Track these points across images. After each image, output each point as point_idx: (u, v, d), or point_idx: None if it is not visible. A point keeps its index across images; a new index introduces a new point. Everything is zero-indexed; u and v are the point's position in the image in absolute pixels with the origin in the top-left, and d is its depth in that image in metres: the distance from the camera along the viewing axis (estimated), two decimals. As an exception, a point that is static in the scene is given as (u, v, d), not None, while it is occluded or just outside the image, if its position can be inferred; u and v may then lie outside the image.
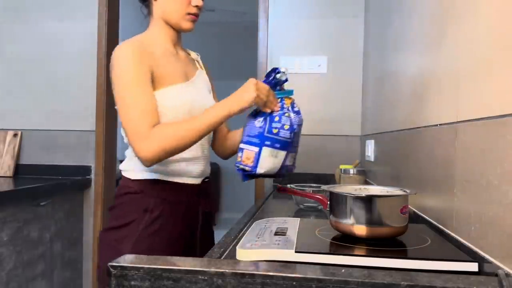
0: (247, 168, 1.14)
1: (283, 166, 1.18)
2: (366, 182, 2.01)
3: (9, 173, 2.59)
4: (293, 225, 0.91)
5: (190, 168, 1.29)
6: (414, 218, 1.10)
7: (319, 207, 1.49)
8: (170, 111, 1.22)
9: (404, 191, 0.85)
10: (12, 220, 2.01)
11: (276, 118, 1.16)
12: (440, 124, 0.96)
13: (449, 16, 0.93)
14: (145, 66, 1.19)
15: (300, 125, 1.21)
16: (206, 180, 1.36)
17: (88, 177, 2.58)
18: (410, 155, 1.24)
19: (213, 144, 1.47)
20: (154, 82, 1.22)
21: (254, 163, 1.14)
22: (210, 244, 1.37)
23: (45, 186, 2.25)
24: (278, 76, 1.20)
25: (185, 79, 1.31)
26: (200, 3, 1.29)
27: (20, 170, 2.64)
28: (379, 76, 1.88)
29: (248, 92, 1.15)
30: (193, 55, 1.48)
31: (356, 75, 2.49)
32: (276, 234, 0.82)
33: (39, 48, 2.66)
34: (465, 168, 0.80)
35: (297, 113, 1.20)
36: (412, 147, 1.21)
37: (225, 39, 6.15)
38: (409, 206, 1.00)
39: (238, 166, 1.16)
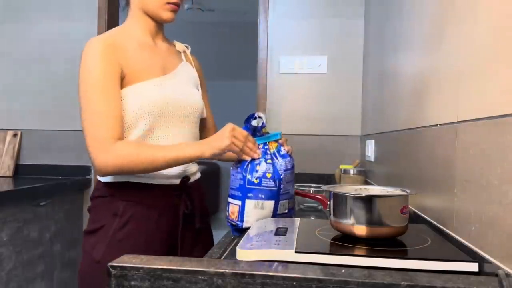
0: (234, 223, 1.07)
1: (275, 216, 1.08)
2: (366, 182, 2.01)
3: (9, 173, 2.59)
4: (293, 225, 0.90)
5: (165, 170, 1.21)
6: (414, 218, 1.10)
7: (319, 207, 1.49)
8: (139, 109, 1.17)
9: (404, 191, 0.85)
10: (12, 220, 2.01)
11: (257, 167, 1.08)
12: (440, 124, 0.96)
13: (449, 16, 0.93)
14: (114, 66, 1.15)
15: (288, 170, 1.11)
16: (185, 179, 1.27)
17: (88, 177, 2.58)
18: (410, 155, 1.24)
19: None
20: (124, 79, 1.17)
21: (239, 217, 1.06)
22: (200, 246, 1.31)
23: (45, 186, 2.25)
24: (253, 123, 1.14)
25: (162, 72, 1.25)
26: None
27: (20, 170, 2.64)
28: (379, 76, 1.88)
29: (222, 139, 1.09)
30: (180, 47, 1.40)
31: (356, 75, 2.49)
32: (276, 234, 0.82)
33: (39, 48, 2.66)
34: (465, 168, 0.80)
35: (284, 156, 1.12)
36: (412, 147, 1.21)
37: (225, 39, 6.15)
38: (409, 206, 1.00)
39: (228, 221, 1.10)
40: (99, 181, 1.24)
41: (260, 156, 1.10)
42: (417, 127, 1.16)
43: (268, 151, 1.11)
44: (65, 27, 2.64)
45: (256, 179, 1.07)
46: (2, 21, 2.69)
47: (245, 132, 1.11)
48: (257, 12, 2.59)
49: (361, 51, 2.50)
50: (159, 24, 1.30)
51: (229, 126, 1.10)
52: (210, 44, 6.10)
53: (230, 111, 6.37)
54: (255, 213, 1.06)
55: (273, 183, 1.07)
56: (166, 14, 1.24)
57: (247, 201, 1.06)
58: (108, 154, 1.09)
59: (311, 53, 2.53)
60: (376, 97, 1.95)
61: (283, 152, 1.12)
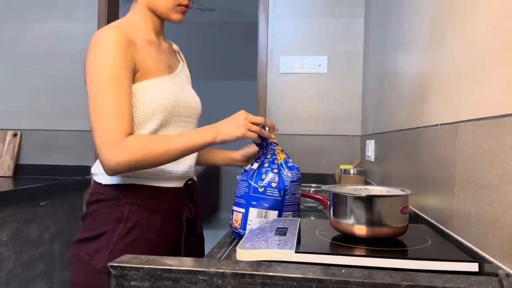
0: (237, 231, 1.07)
1: None
2: (366, 182, 2.01)
3: (9, 173, 2.59)
4: (293, 225, 0.90)
5: (170, 169, 1.19)
6: (414, 218, 1.10)
7: (319, 207, 1.49)
8: (150, 107, 1.13)
9: (404, 191, 0.85)
10: (12, 220, 2.01)
11: (263, 176, 1.08)
12: (440, 124, 0.96)
13: (449, 16, 0.93)
14: (129, 60, 1.09)
15: (295, 182, 1.09)
16: (190, 182, 1.24)
17: (88, 177, 2.58)
18: (410, 155, 1.24)
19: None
20: (136, 74, 1.13)
21: (242, 225, 1.05)
22: (199, 252, 1.30)
23: (45, 186, 2.25)
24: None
25: (169, 71, 1.23)
26: None
27: (19, 170, 2.64)
28: (379, 76, 1.88)
29: (235, 128, 1.07)
30: (175, 46, 1.38)
31: (356, 75, 2.49)
32: (276, 234, 0.82)
33: (39, 48, 2.66)
34: (465, 168, 0.80)
35: (292, 168, 1.11)
36: (412, 147, 1.21)
37: (225, 39, 6.15)
38: (409, 206, 1.00)
39: (231, 229, 1.10)
40: (99, 184, 1.16)
41: (275, 139, 1.12)
42: (417, 127, 1.16)
43: (275, 161, 1.10)
44: (65, 27, 2.64)
45: (261, 187, 1.07)
46: (2, 21, 2.69)
47: (260, 118, 1.11)
48: (257, 12, 2.59)
49: (361, 51, 2.50)
50: (163, 22, 1.28)
51: (242, 114, 1.09)
52: (210, 44, 6.09)
53: (230, 111, 6.36)
54: (258, 222, 1.04)
55: (277, 192, 1.07)
56: (176, 16, 1.22)
57: (251, 209, 1.06)
58: (118, 149, 1.03)
59: (311, 53, 2.52)
60: (376, 97, 1.95)
61: (291, 164, 1.12)
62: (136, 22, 1.22)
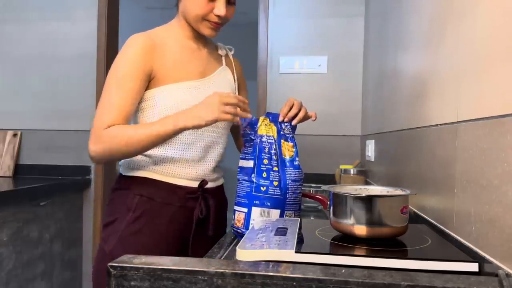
0: (239, 231, 1.06)
1: None
2: (366, 182, 2.01)
3: (9, 173, 2.59)
4: (293, 225, 0.90)
5: (185, 170, 1.22)
6: (414, 218, 1.10)
7: (319, 207, 1.49)
8: (168, 108, 1.18)
9: (404, 191, 0.85)
10: (12, 220, 2.01)
11: (264, 174, 1.07)
12: (440, 124, 0.96)
13: (449, 16, 0.93)
14: (144, 66, 1.15)
15: (297, 181, 1.09)
16: (202, 182, 1.25)
17: (88, 177, 2.58)
18: (410, 155, 1.24)
19: (236, 144, 1.47)
20: (154, 79, 1.18)
21: (245, 225, 1.05)
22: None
23: (45, 186, 2.25)
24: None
25: (200, 76, 1.26)
26: (222, 13, 1.18)
27: (19, 170, 2.64)
28: (379, 76, 1.88)
29: (209, 111, 1.06)
30: (222, 51, 1.40)
31: (356, 75, 2.49)
32: (276, 234, 0.82)
33: (39, 48, 2.66)
34: (465, 168, 0.80)
35: (296, 167, 1.10)
36: (413, 147, 1.21)
37: (225, 39, 6.15)
38: (409, 206, 1.00)
39: (233, 229, 1.09)
40: (120, 175, 1.25)
41: (251, 116, 1.10)
42: (417, 127, 1.16)
43: (274, 157, 1.09)
44: (65, 28, 2.64)
45: (263, 186, 1.06)
46: (2, 21, 2.69)
47: (234, 98, 1.09)
48: (257, 12, 2.59)
49: (361, 51, 2.50)
50: None
51: (215, 97, 1.08)
52: (210, 44, 6.09)
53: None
54: (261, 221, 1.04)
55: (279, 191, 1.06)
56: (206, 31, 1.23)
57: (254, 209, 1.06)
58: (97, 140, 1.10)
59: (311, 53, 2.52)
60: (376, 97, 1.95)
61: (297, 163, 1.11)
62: (174, 27, 1.27)
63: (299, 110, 1.14)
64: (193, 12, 1.19)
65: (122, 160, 1.26)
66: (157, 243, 1.18)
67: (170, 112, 1.17)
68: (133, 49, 1.15)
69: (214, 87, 1.28)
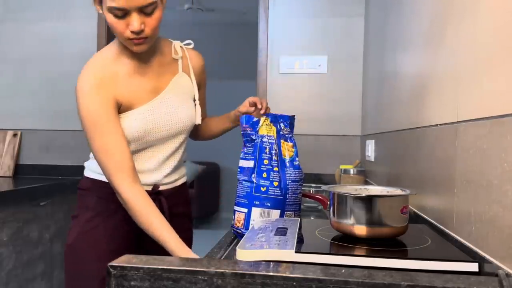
0: (239, 231, 1.07)
1: None
2: (366, 182, 2.01)
3: (9, 173, 2.59)
4: (293, 225, 0.90)
5: (141, 178, 1.25)
6: (414, 218, 1.10)
7: (319, 207, 1.49)
8: (128, 135, 1.21)
9: (404, 191, 0.85)
10: (12, 220, 2.01)
11: (264, 174, 1.07)
12: (440, 124, 0.96)
13: (449, 16, 0.93)
14: (108, 99, 1.16)
15: (296, 181, 1.09)
16: (155, 187, 1.30)
17: (88, 177, 2.58)
18: (410, 155, 1.24)
19: (195, 135, 1.50)
20: (121, 108, 1.20)
21: (245, 225, 1.05)
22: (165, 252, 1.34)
23: (45, 186, 2.25)
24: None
25: (151, 96, 1.24)
26: (135, 28, 1.11)
27: (19, 170, 2.64)
28: (379, 76, 1.88)
29: None
30: (177, 52, 1.32)
31: (356, 75, 2.49)
32: (276, 234, 0.82)
33: (39, 48, 2.66)
34: (465, 168, 0.80)
35: (296, 167, 1.10)
36: (412, 147, 1.21)
37: (225, 39, 6.15)
38: (409, 206, 1.00)
39: (233, 229, 1.09)
40: (84, 175, 1.35)
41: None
42: (417, 127, 1.16)
43: (274, 158, 1.09)
44: (65, 27, 2.64)
45: (263, 187, 1.06)
46: (2, 21, 2.69)
47: None
48: (257, 12, 2.59)
49: (361, 51, 2.50)
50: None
51: None
52: (210, 44, 6.09)
53: (230, 111, 6.36)
54: (261, 221, 1.04)
55: (279, 191, 1.06)
56: (133, 48, 1.18)
57: (254, 209, 1.06)
58: (125, 194, 1.13)
59: (311, 53, 2.52)
60: (376, 97, 1.95)
61: (296, 163, 1.11)
62: (118, 51, 1.24)
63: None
64: (115, 33, 1.17)
65: (86, 163, 1.36)
66: (112, 240, 1.26)
67: (128, 137, 1.20)
68: (91, 91, 1.16)
69: (169, 102, 1.27)
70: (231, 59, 6.13)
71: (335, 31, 2.51)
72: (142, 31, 1.12)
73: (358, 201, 0.80)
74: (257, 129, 1.12)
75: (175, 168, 1.35)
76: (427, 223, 1.01)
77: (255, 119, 1.14)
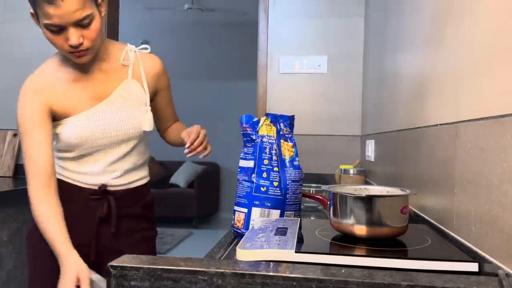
0: (239, 231, 1.06)
1: None
2: (366, 182, 2.01)
3: (9, 173, 2.59)
4: (293, 225, 0.90)
5: (83, 178, 1.30)
6: (414, 218, 1.10)
7: (319, 207, 1.49)
8: (67, 143, 1.25)
9: (404, 191, 0.85)
10: (12, 220, 2.01)
11: (264, 174, 1.07)
12: (440, 124, 0.96)
13: (449, 16, 0.93)
14: (43, 106, 1.21)
15: (296, 181, 1.09)
16: (101, 187, 1.31)
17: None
18: (410, 155, 1.24)
19: (160, 132, 1.52)
20: (56, 116, 1.24)
21: (245, 225, 1.05)
22: (115, 251, 1.32)
23: (45, 186, 2.24)
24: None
25: (92, 104, 1.25)
26: (73, 42, 1.11)
27: (20, 170, 2.63)
28: (379, 76, 1.88)
29: (66, 278, 1.13)
30: (127, 59, 1.30)
31: (356, 75, 2.50)
32: (276, 234, 0.82)
33: (39, 48, 2.66)
34: (465, 168, 0.80)
35: (296, 167, 1.10)
36: (412, 147, 1.21)
37: (225, 39, 6.15)
38: (409, 206, 1.00)
39: (233, 229, 1.09)
40: None
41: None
42: (417, 127, 1.16)
43: (274, 158, 1.09)
44: (65, 27, 2.63)
45: (263, 187, 1.06)
46: (2, 21, 2.69)
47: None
48: (257, 12, 2.59)
49: (361, 51, 2.50)
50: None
51: (71, 275, 1.13)
52: (210, 44, 6.10)
53: (230, 111, 6.37)
54: (261, 221, 1.04)
55: (279, 191, 1.06)
56: (76, 60, 1.18)
57: (254, 209, 1.06)
58: (33, 199, 1.19)
59: (311, 53, 2.53)
60: (376, 97, 1.95)
61: (296, 163, 1.11)
62: (60, 60, 1.27)
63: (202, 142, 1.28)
64: (55, 45, 1.17)
65: None
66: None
67: (68, 145, 1.25)
68: (25, 103, 1.23)
69: (114, 108, 1.26)
70: (231, 59, 6.13)
71: (335, 31, 2.51)
72: (81, 44, 1.13)
73: (358, 201, 0.80)
74: (257, 129, 1.12)
75: (128, 171, 1.33)
76: (427, 223, 1.01)
77: (255, 119, 1.14)
